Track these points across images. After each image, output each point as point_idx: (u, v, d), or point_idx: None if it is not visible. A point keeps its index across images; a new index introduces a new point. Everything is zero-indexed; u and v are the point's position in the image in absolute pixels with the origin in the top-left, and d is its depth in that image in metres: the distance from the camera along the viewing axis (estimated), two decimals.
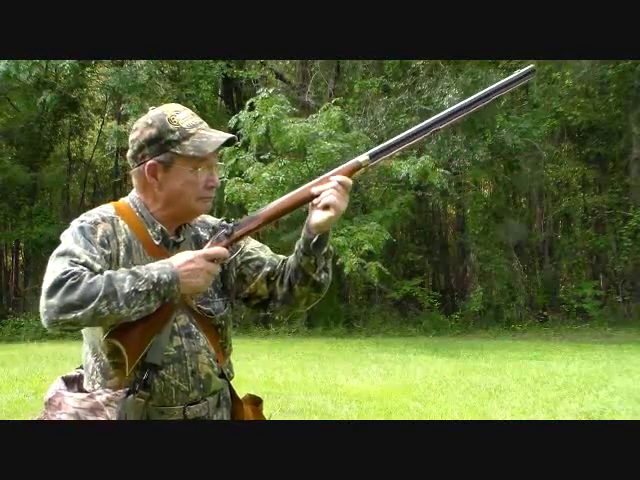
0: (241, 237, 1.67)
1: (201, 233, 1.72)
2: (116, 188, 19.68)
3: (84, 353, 1.64)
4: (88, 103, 20.27)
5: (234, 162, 13.49)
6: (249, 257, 1.75)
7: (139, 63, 15.57)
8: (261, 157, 13.91)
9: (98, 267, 1.49)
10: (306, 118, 14.14)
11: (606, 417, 5.71)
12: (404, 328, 15.97)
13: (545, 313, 16.66)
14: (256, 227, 1.66)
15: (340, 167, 1.67)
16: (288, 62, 19.04)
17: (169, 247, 1.64)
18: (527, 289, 17.08)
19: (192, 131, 1.61)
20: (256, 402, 1.78)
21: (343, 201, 1.60)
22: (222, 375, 1.69)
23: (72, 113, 19.31)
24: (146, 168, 1.61)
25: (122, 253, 1.58)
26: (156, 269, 1.51)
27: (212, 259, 1.58)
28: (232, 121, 13.69)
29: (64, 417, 1.56)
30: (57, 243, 1.54)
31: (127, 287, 1.46)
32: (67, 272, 1.44)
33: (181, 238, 1.67)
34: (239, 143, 12.55)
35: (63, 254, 1.49)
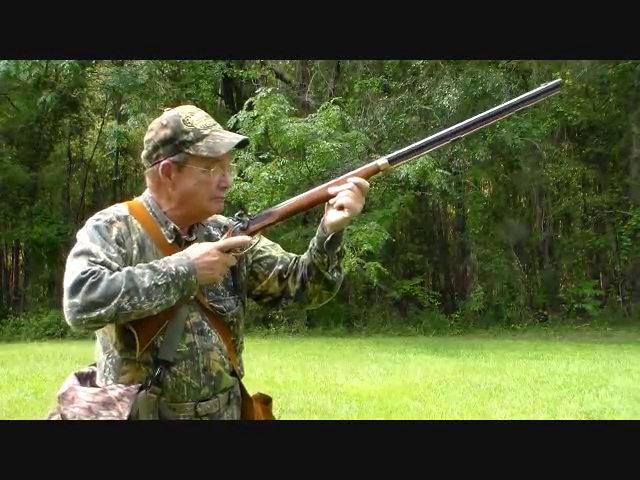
0: (256, 231, 1.68)
1: (213, 232, 1.74)
2: (116, 188, 19.70)
3: (96, 350, 1.67)
4: (88, 103, 20.27)
5: (233, 161, 13.49)
6: (261, 255, 1.77)
7: (139, 63, 15.56)
8: (260, 156, 13.92)
9: (116, 265, 1.51)
10: (305, 118, 14.14)
11: (606, 417, 5.71)
12: (404, 328, 15.96)
13: (545, 313, 16.65)
14: (272, 222, 1.69)
15: (358, 169, 1.69)
16: (288, 62, 19.03)
17: (181, 246, 1.65)
18: (527, 289, 17.07)
19: (206, 132, 1.63)
20: (266, 401, 1.80)
21: (358, 202, 1.62)
22: (233, 373, 1.71)
23: (72, 113, 19.31)
24: (160, 168, 1.63)
25: (135, 252, 1.60)
26: (173, 262, 1.54)
27: (228, 250, 1.60)
28: (231, 121, 13.69)
29: (77, 410, 1.58)
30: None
31: (147, 281, 1.48)
32: (87, 271, 1.46)
33: (193, 237, 1.68)
34: None
35: (81, 254, 1.51)
